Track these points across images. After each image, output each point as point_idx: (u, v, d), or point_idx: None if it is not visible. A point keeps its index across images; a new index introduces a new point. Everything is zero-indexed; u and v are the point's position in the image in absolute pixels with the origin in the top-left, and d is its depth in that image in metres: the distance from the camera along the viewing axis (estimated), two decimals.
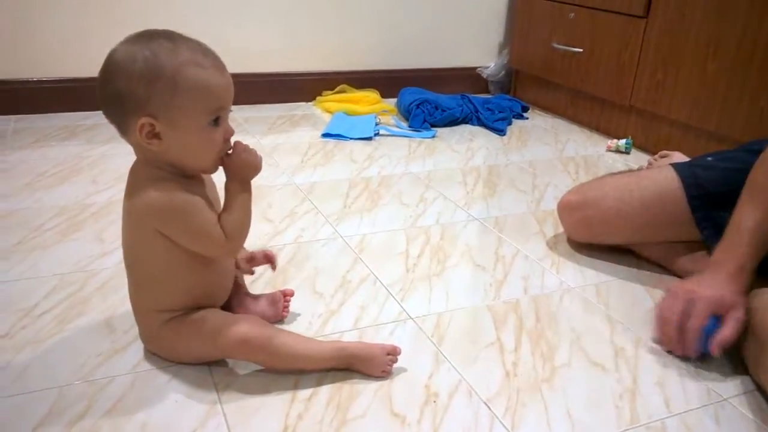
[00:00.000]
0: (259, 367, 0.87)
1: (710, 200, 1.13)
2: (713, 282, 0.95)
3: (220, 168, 0.83)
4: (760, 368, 0.89)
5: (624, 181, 1.22)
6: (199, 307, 0.85)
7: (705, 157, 1.22)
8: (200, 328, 0.84)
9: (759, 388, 0.90)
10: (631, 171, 1.31)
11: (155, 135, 0.76)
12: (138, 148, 0.80)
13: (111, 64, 0.75)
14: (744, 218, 0.98)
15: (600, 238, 1.26)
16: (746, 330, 0.95)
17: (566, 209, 1.28)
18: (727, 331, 0.90)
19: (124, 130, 0.78)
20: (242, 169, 0.82)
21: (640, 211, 1.18)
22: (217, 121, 0.78)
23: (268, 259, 0.99)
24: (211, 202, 0.82)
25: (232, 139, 0.82)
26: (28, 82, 1.94)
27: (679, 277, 1.20)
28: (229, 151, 0.82)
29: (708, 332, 0.91)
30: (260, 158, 0.84)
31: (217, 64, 0.77)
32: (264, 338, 0.83)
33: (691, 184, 1.15)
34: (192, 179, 0.82)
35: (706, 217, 1.13)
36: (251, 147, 0.83)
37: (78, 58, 1.95)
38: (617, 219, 1.20)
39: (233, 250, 0.84)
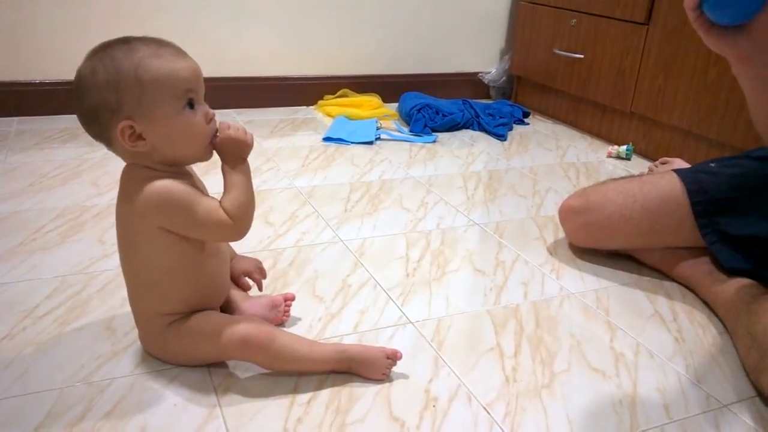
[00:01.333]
0: (259, 371, 0.87)
1: (714, 206, 1.13)
2: None
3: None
4: (761, 374, 0.89)
5: (627, 186, 1.22)
6: (198, 310, 0.86)
7: (708, 163, 1.22)
8: (201, 329, 0.84)
9: (759, 394, 0.90)
10: (633, 176, 1.30)
11: (138, 136, 0.77)
12: (126, 154, 0.80)
13: (78, 82, 0.76)
14: None
15: (601, 243, 1.26)
16: (746, 337, 0.96)
17: (568, 214, 1.28)
18: None
19: (109, 141, 0.79)
20: (233, 146, 0.82)
21: (642, 216, 1.18)
22: (191, 105, 0.78)
23: (260, 274, 1.02)
24: (202, 192, 0.83)
25: (217, 121, 0.83)
26: (30, 84, 1.94)
27: (680, 283, 1.20)
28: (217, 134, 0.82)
29: None
30: (250, 134, 0.83)
31: (175, 50, 0.78)
32: (265, 338, 0.83)
33: (695, 189, 1.15)
34: (182, 174, 0.83)
35: (710, 222, 1.13)
36: (238, 125, 0.84)
37: (80, 61, 1.95)
38: (620, 224, 1.20)
39: (242, 231, 0.83)
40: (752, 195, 1.12)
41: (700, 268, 1.17)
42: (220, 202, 0.81)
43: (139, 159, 0.79)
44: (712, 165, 1.20)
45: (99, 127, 0.78)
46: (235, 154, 0.82)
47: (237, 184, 0.82)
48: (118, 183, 0.83)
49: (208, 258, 0.86)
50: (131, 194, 0.79)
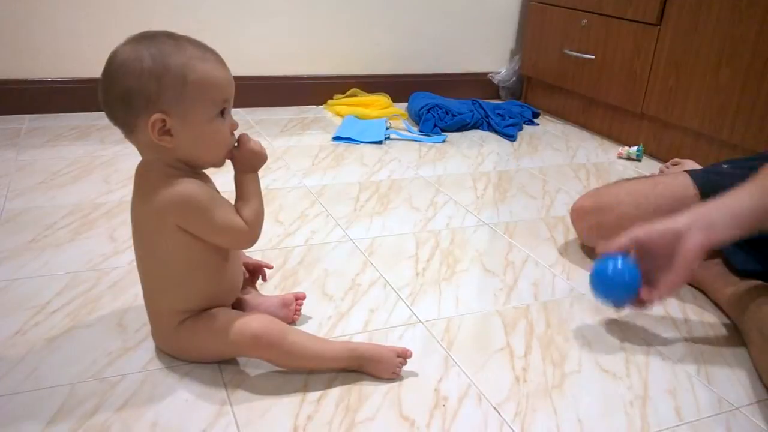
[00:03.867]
0: (269, 368, 0.87)
1: None
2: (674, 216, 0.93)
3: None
4: None
5: (639, 187, 1.21)
6: (213, 307, 0.86)
7: (721, 165, 1.21)
8: (213, 325, 0.84)
9: None
10: (645, 177, 1.30)
11: (167, 132, 0.77)
12: (147, 147, 0.80)
13: (116, 65, 0.76)
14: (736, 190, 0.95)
15: None
16: (759, 339, 0.95)
17: (580, 214, 1.28)
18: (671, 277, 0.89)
19: (131, 130, 0.79)
20: (251, 158, 0.84)
21: (654, 217, 1.16)
22: (223, 114, 0.80)
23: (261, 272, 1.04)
24: (220, 195, 0.84)
25: (236, 132, 0.84)
26: (42, 82, 1.95)
27: (691, 285, 1.19)
28: (236, 144, 0.84)
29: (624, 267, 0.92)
30: (265, 149, 0.86)
31: (218, 59, 0.80)
32: (276, 335, 0.83)
33: (707, 191, 1.14)
34: (200, 176, 0.83)
35: None
36: (254, 139, 0.85)
37: (92, 59, 1.96)
38: (631, 225, 1.19)
39: (254, 239, 0.85)
40: None
41: (711, 270, 1.16)
42: (236, 209, 0.83)
43: (157, 153, 0.79)
44: (725, 166, 1.19)
45: (127, 112, 0.77)
46: (252, 166, 0.85)
47: (254, 193, 0.84)
48: (130, 180, 0.83)
49: (225, 255, 0.86)
50: (149, 192, 0.79)
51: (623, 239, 0.94)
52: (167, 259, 0.83)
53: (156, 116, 0.75)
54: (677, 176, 1.20)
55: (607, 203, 1.22)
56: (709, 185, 1.14)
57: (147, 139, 0.78)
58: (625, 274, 0.93)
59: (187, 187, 0.78)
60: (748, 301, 1.03)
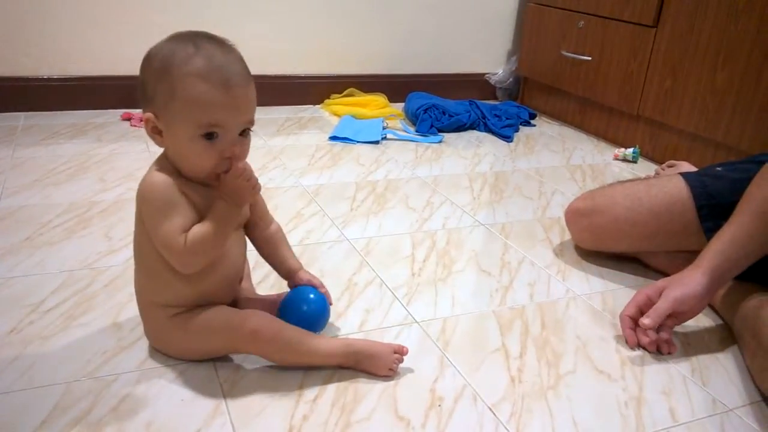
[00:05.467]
0: (265, 368, 0.87)
1: (719, 210, 1.12)
2: (683, 279, 0.99)
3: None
4: (767, 379, 0.88)
5: (633, 189, 1.22)
6: (205, 304, 0.85)
7: (714, 167, 1.21)
8: (210, 321, 0.84)
9: (765, 399, 0.90)
10: (639, 179, 1.30)
11: (159, 131, 0.79)
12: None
13: (146, 53, 0.79)
14: (726, 227, 1.01)
15: (607, 246, 1.26)
16: (752, 342, 0.95)
17: (574, 216, 1.28)
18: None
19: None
20: (232, 193, 0.80)
21: (648, 219, 1.18)
22: (210, 136, 0.77)
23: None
24: (192, 206, 0.80)
25: (246, 162, 0.81)
26: (38, 80, 1.95)
27: None
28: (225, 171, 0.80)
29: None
30: (258, 187, 0.82)
31: (227, 82, 0.76)
32: (274, 331, 0.83)
33: (700, 193, 1.14)
34: (196, 183, 0.82)
35: (716, 226, 1.13)
36: (251, 173, 0.81)
37: (88, 57, 1.96)
38: (626, 227, 1.20)
39: (185, 264, 0.80)
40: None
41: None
42: (192, 226, 0.79)
43: (167, 154, 0.82)
44: (719, 169, 1.20)
45: (140, 98, 0.80)
46: (231, 198, 0.80)
47: (214, 220, 0.79)
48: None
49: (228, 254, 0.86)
50: (142, 178, 0.82)
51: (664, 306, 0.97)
52: (148, 251, 0.82)
53: (148, 114, 0.79)
54: (671, 179, 1.21)
55: (601, 205, 1.23)
56: (702, 188, 1.15)
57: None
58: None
59: (153, 179, 0.79)
60: (743, 304, 1.03)
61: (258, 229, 0.94)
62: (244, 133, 0.81)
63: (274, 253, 0.97)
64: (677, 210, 1.16)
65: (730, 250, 0.98)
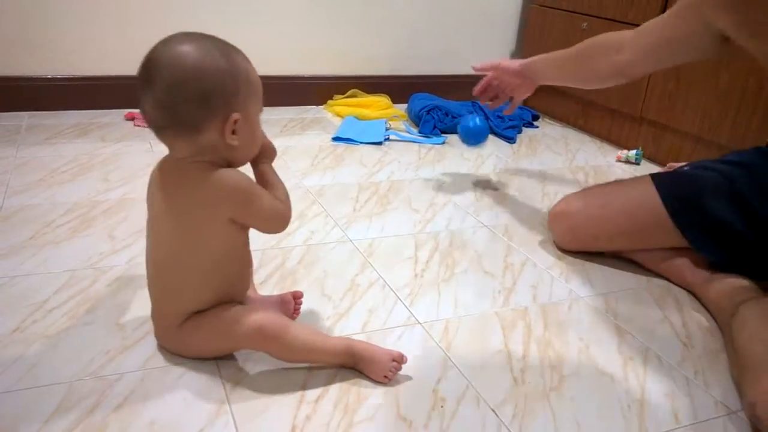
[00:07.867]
0: (268, 367, 0.87)
1: (687, 204, 1.15)
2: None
3: None
4: (740, 393, 0.89)
5: (606, 190, 1.28)
6: (228, 301, 0.87)
7: (683, 167, 1.27)
8: (217, 318, 0.84)
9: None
10: (614, 181, 1.37)
11: (234, 130, 0.79)
12: (202, 149, 0.79)
13: (191, 66, 0.75)
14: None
15: (588, 245, 1.28)
16: (731, 350, 0.96)
17: (554, 219, 1.32)
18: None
19: (197, 131, 0.77)
20: (272, 152, 0.91)
21: (621, 218, 1.22)
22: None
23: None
24: None
25: None
26: (42, 79, 1.95)
27: (686, 290, 1.20)
28: None
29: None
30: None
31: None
32: (279, 327, 0.84)
33: (667, 191, 1.18)
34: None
35: (689, 222, 1.15)
36: None
37: (92, 57, 1.96)
38: (600, 223, 1.24)
39: (288, 219, 0.89)
40: (715, 192, 1.14)
41: (699, 275, 1.17)
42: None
43: (206, 154, 0.80)
44: (686, 168, 1.25)
45: (200, 113, 0.76)
46: (271, 158, 0.91)
47: (279, 180, 0.90)
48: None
49: (247, 249, 0.92)
50: (192, 187, 0.80)
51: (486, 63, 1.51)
52: (206, 254, 0.83)
53: (236, 115, 0.78)
54: (642, 179, 1.25)
55: (577, 206, 1.28)
56: (666, 187, 1.19)
57: (212, 139, 0.78)
58: (484, 127, 1.62)
59: (237, 177, 0.81)
60: (726, 312, 1.04)
61: None
62: None
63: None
64: (649, 208, 1.19)
65: (545, 61, 1.40)
